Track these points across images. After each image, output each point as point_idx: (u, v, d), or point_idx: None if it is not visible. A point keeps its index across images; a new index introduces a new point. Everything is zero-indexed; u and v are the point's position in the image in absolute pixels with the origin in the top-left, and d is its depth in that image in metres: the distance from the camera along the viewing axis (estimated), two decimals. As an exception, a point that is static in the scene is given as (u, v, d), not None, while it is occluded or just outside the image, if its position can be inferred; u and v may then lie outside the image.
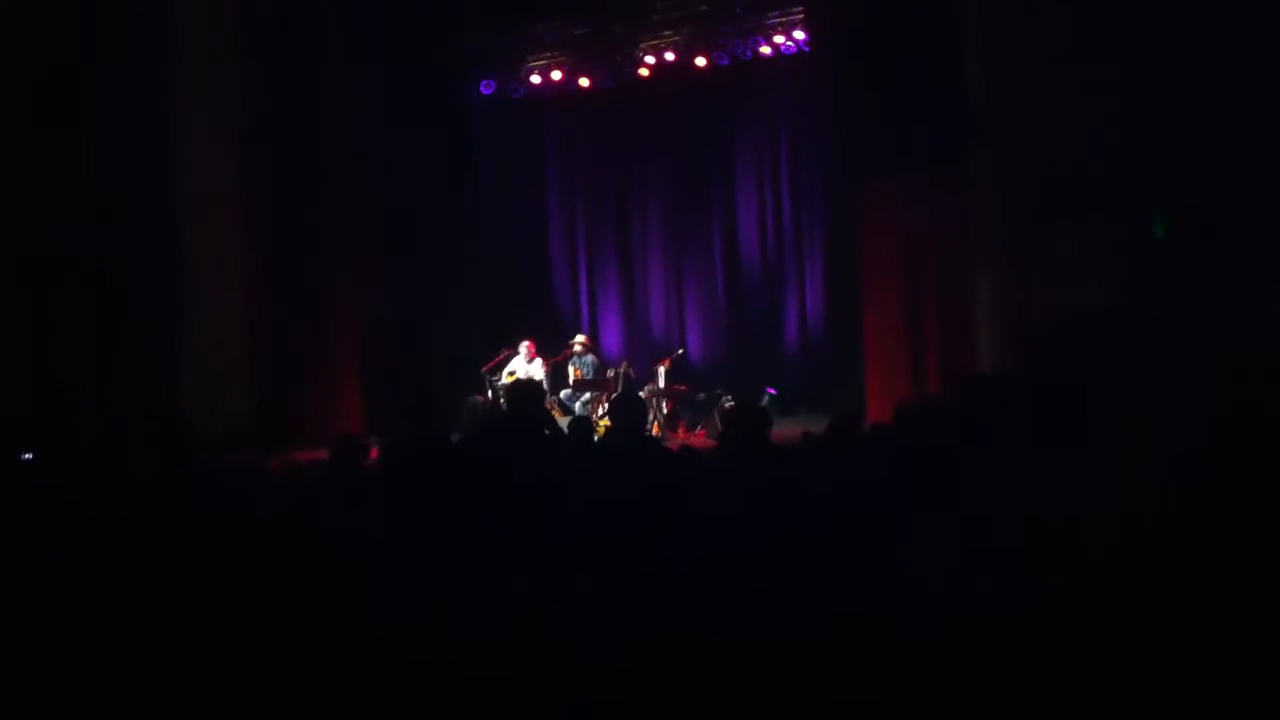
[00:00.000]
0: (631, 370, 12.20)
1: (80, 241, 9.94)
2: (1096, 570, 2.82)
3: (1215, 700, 2.37)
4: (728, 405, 11.84)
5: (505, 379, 12.03)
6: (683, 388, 12.23)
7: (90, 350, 9.98)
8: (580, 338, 12.60)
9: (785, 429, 8.67)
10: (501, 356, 12.28)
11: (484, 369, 12.24)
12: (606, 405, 11.63)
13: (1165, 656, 2.45)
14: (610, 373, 12.23)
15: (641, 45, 13.41)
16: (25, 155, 9.63)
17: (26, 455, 4.61)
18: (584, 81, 13.79)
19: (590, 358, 12.40)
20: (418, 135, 13.10)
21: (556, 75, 13.81)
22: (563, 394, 12.12)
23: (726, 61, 13.12)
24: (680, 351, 12.89)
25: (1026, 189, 9.39)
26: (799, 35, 12.60)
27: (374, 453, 5.95)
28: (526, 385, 9.75)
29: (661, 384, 12.09)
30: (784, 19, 12.71)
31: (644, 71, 13.46)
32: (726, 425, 5.94)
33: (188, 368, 10.73)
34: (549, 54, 13.86)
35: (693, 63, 13.20)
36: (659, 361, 12.34)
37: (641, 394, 11.75)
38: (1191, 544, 2.88)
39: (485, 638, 2.75)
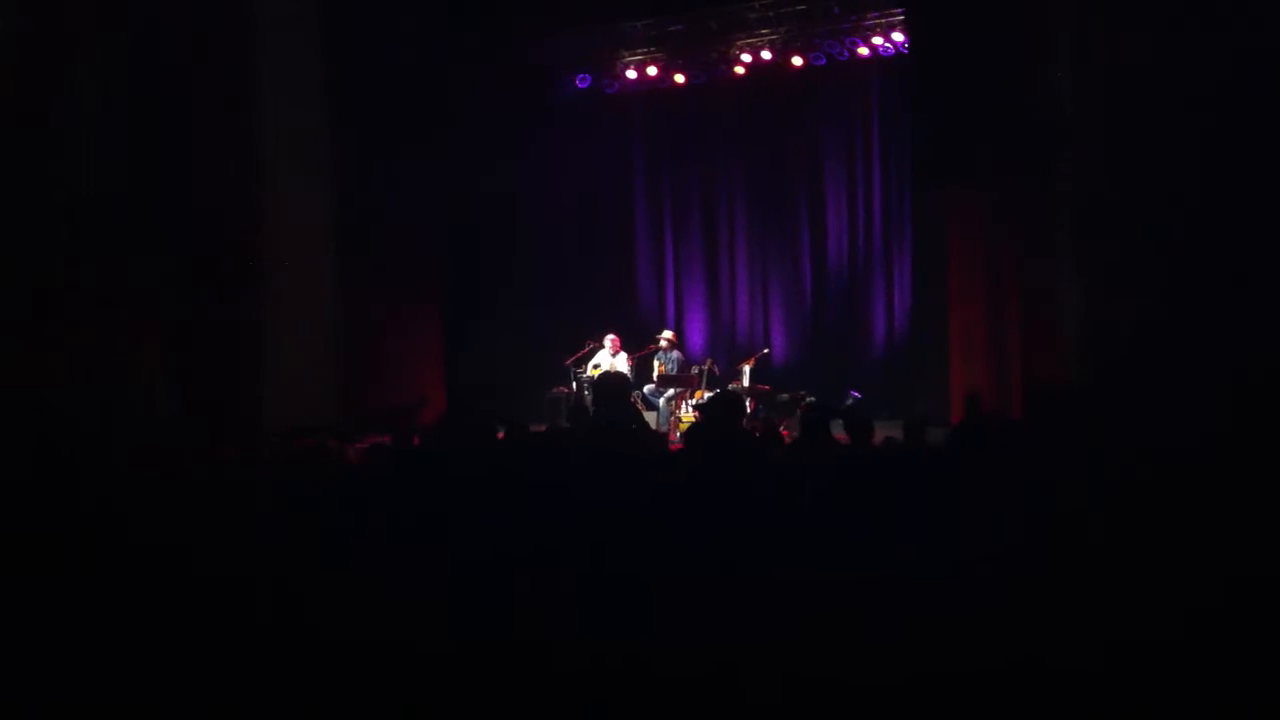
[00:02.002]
0: (716, 368, 12.21)
1: (164, 234, 10.10)
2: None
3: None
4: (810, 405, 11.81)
5: (589, 372, 12.12)
6: (766, 387, 12.19)
7: (172, 343, 10.13)
8: (667, 333, 12.64)
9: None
10: (586, 350, 12.36)
11: (567, 361, 12.33)
12: (692, 402, 11.68)
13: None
14: (694, 370, 12.25)
15: (737, 43, 13.42)
16: (111, 149, 9.79)
17: None
18: (679, 78, 13.82)
19: (675, 354, 12.43)
20: (511, 127, 13.25)
21: (652, 71, 13.86)
22: (646, 389, 12.17)
23: (823, 62, 13.07)
24: (765, 351, 12.87)
25: (1112, 197, 9.23)
26: (897, 37, 12.50)
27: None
28: (614, 378, 9.80)
29: (745, 383, 12.08)
30: (882, 20, 12.63)
31: (739, 70, 13.46)
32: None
33: (271, 360, 10.89)
34: (644, 50, 13.92)
35: (789, 62, 13.17)
36: (743, 360, 12.34)
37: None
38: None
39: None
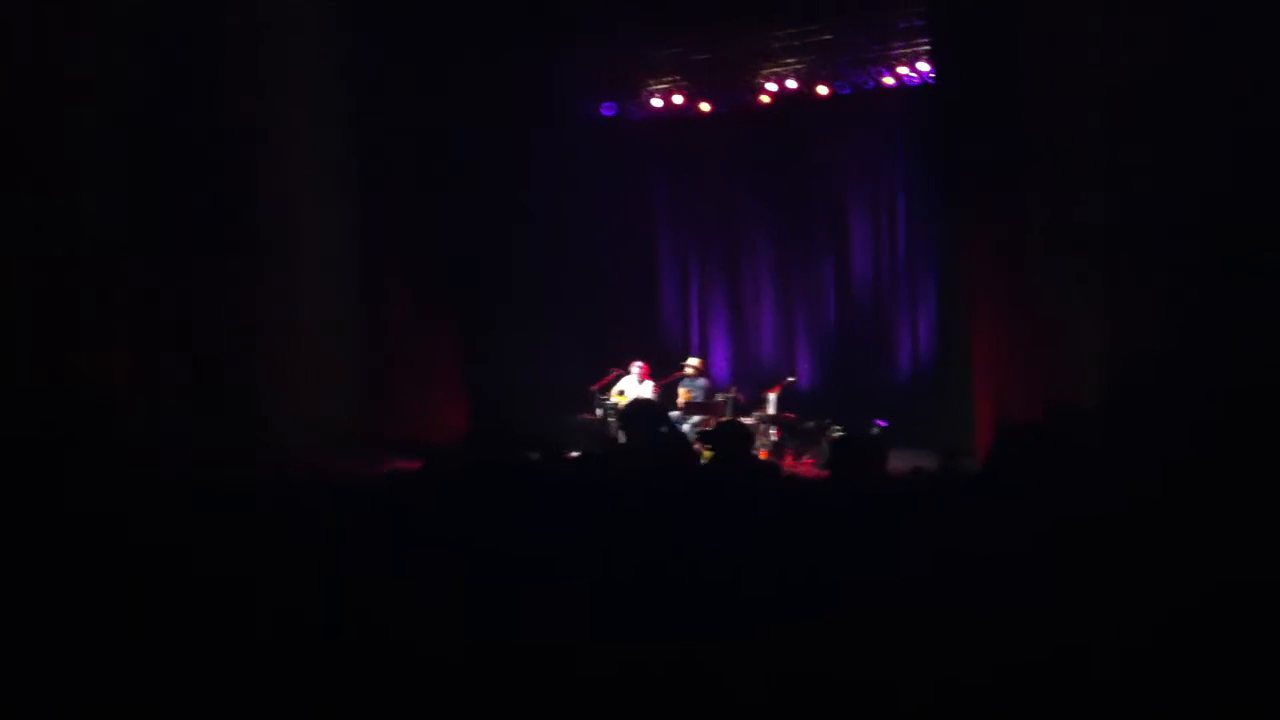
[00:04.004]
0: (740, 396, 12.20)
1: (185, 239, 9.97)
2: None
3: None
4: (836, 435, 11.77)
5: (614, 399, 12.12)
6: (791, 415, 12.17)
7: (190, 349, 9.99)
8: (693, 360, 12.65)
9: (895, 462, 8.56)
10: (611, 376, 12.35)
11: (593, 387, 12.32)
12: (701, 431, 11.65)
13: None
14: (719, 398, 12.24)
15: (763, 72, 13.49)
16: (129, 150, 9.60)
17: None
18: (704, 106, 13.90)
19: (702, 381, 12.43)
20: (538, 152, 13.30)
21: (677, 99, 13.94)
22: (671, 415, 12.13)
23: (848, 91, 13.12)
24: (791, 379, 12.84)
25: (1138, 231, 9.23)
26: (923, 66, 12.54)
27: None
28: (644, 404, 9.77)
29: (770, 411, 12.06)
30: (908, 50, 12.68)
31: (764, 99, 13.52)
32: (837, 456, 5.87)
33: (290, 370, 10.78)
34: (671, 78, 14.01)
35: (814, 91, 13.23)
36: (768, 388, 12.32)
37: (749, 420, 11.75)
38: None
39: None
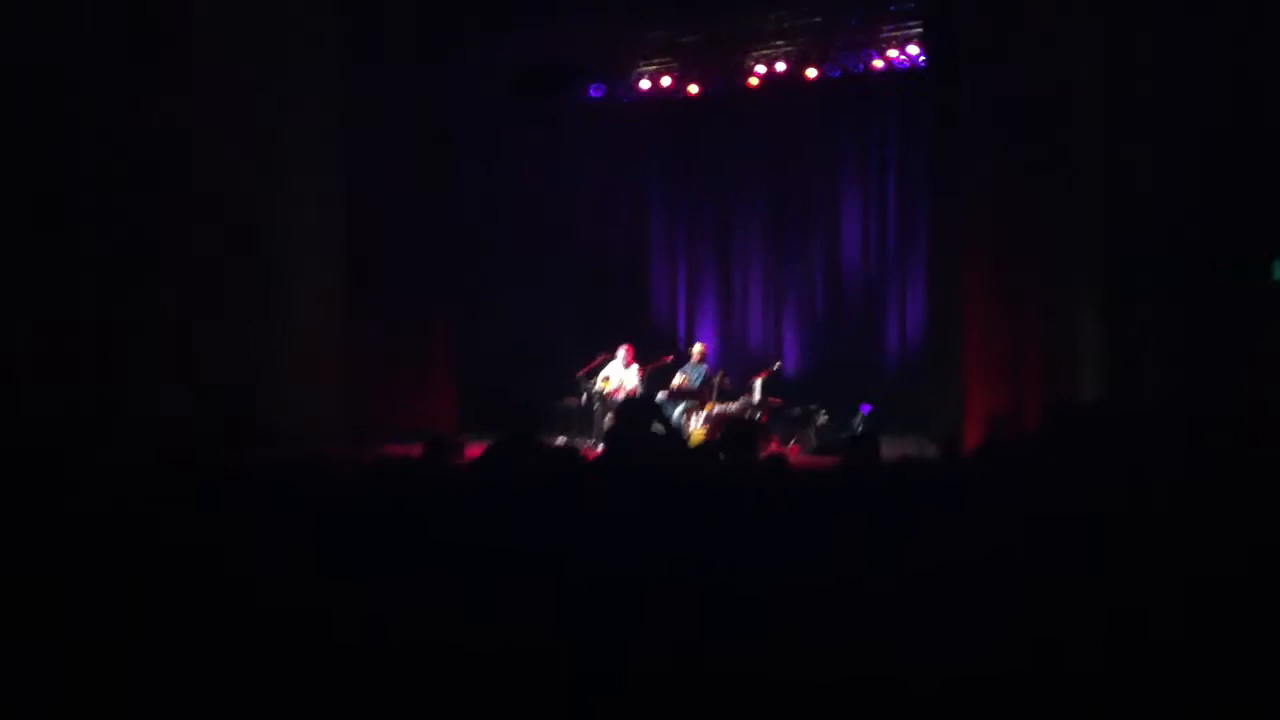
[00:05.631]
0: (727, 381, 12.09)
1: (173, 239, 10.02)
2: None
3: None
4: (822, 420, 11.73)
5: (600, 384, 12.03)
6: (778, 401, 12.09)
7: (180, 347, 10.02)
8: (698, 346, 12.52)
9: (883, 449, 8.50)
10: (598, 361, 12.24)
11: (580, 373, 12.21)
12: (700, 416, 11.56)
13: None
14: (706, 384, 12.14)
15: (752, 54, 13.37)
16: (117, 153, 9.68)
17: None
18: (693, 89, 13.79)
19: (704, 367, 12.31)
20: (526, 136, 13.20)
21: (666, 81, 13.83)
22: (658, 398, 12.04)
23: (838, 74, 13.02)
24: (777, 365, 12.72)
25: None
26: (912, 50, 12.44)
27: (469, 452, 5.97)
28: (641, 403, 9.61)
29: (757, 397, 11.98)
30: (898, 33, 12.57)
31: (753, 81, 13.42)
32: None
33: (280, 366, 10.80)
34: (660, 60, 13.89)
35: (803, 74, 13.12)
36: (755, 374, 12.23)
37: (735, 405, 11.67)
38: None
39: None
